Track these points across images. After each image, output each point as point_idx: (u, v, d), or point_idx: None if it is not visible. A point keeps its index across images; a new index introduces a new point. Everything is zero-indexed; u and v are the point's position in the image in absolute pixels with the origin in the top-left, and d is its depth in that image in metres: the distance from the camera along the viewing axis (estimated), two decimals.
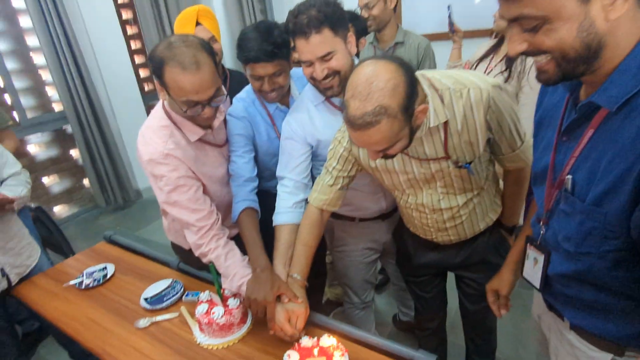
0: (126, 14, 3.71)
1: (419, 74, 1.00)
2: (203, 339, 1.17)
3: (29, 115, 3.16)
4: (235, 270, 1.22)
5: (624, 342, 0.79)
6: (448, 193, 1.14)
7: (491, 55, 1.82)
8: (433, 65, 2.07)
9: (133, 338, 1.21)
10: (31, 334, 2.16)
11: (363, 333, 1.11)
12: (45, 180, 3.40)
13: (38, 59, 3.18)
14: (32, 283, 1.53)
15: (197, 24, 1.73)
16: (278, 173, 1.35)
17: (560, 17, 0.60)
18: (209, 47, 1.13)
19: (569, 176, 0.73)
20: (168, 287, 1.39)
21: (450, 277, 1.48)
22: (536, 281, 0.90)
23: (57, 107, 3.34)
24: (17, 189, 1.48)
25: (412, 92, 0.87)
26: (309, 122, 1.30)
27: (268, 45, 1.23)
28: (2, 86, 2.98)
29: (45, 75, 3.24)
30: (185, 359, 1.12)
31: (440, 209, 1.16)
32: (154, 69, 1.11)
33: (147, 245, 1.69)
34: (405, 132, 0.91)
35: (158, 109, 1.27)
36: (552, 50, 0.63)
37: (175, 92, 1.10)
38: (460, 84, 1.00)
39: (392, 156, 0.99)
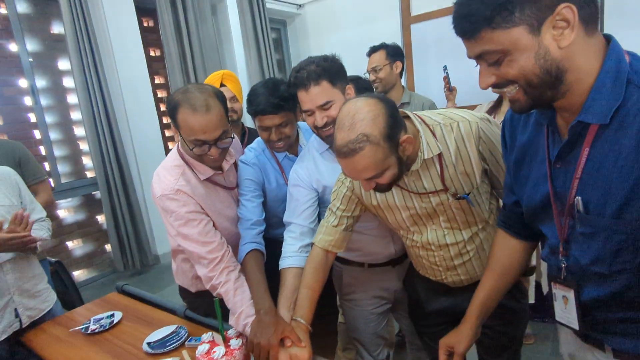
0: (161, 93, 4.12)
1: (410, 113, 1.08)
2: None
3: (63, 180, 3.39)
4: (242, 307, 1.21)
5: None
6: (452, 228, 1.14)
7: (492, 115, 1.91)
8: None
9: None
10: None
11: None
12: (70, 244, 3.51)
13: (79, 130, 3.49)
14: (41, 329, 1.53)
15: (222, 85, 1.93)
16: (285, 219, 1.39)
17: (517, 49, 0.67)
18: (221, 95, 1.27)
19: (578, 197, 0.74)
20: (172, 332, 1.37)
21: None
22: (573, 322, 0.84)
23: (90, 174, 3.57)
24: (41, 232, 1.56)
25: (394, 122, 0.95)
26: (315, 169, 1.37)
27: (274, 98, 1.34)
28: (44, 154, 3.25)
29: (83, 145, 3.52)
30: None
31: (447, 244, 1.15)
32: (170, 111, 1.23)
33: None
34: (392, 160, 0.97)
35: (173, 152, 1.38)
36: (517, 79, 0.70)
37: (186, 132, 1.21)
38: (449, 118, 1.08)
39: (385, 187, 1.03)
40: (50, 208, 3.30)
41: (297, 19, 5.27)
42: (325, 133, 1.27)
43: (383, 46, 2.25)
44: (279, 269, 1.30)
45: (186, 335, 1.35)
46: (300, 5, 5.11)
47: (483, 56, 0.71)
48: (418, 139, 1.05)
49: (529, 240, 1.02)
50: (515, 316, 1.26)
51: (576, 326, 0.82)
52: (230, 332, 1.20)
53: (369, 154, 0.93)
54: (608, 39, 0.71)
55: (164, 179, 1.30)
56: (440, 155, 1.06)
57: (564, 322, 0.87)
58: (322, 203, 1.40)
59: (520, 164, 0.90)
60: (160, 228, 3.71)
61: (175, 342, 1.31)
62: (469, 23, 0.69)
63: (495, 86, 0.73)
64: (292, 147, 1.53)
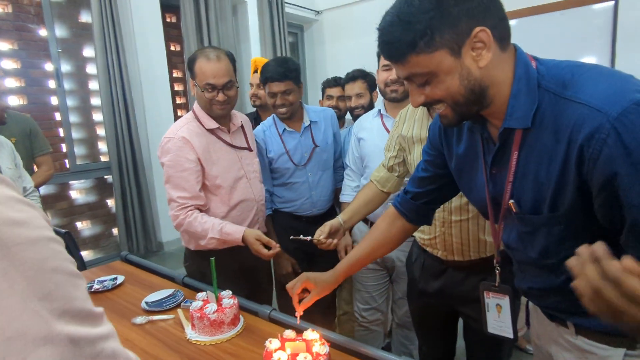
0: (178, 86, 4.27)
1: None
2: (193, 335, 1.19)
3: (79, 162, 3.52)
4: (213, 222, 1.47)
5: None
6: None
7: None
8: None
9: (128, 332, 1.25)
10: None
11: (347, 339, 1.11)
12: (79, 224, 3.62)
13: (97, 115, 3.64)
14: None
15: (255, 71, 2.28)
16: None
17: (442, 71, 0.72)
18: (231, 55, 1.55)
19: (512, 201, 0.79)
20: (170, 295, 1.45)
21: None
22: (507, 329, 0.86)
23: (104, 158, 3.70)
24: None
25: None
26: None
27: (281, 68, 1.70)
28: (62, 135, 3.39)
29: (100, 130, 3.66)
30: (173, 351, 1.14)
31: None
32: (189, 65, 1.52)
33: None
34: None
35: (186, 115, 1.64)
36: (444, 99, 0.75)
37: (200, 78, 1.48)
38: None
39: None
40: (63, 188, 3.45)
41: (314, 25, 5.40)
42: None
43: (361, 76, 2.16)
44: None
45: (182, 298, 1.43)
46: (318, 12, 5.25)
47: (411, 78, 0.76)
48: None
49: (413, 224, 1.13)
50: (500, 345, 1.31)
51: (511, 335, 0.85)
52: (224, 293, 1.27)
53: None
54: (515, 47, 0.77)
55: (172, 127, 1.55)
56: None
57: (496, 333, 0.88)
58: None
59: (461, 172, 0.95)
60: (167, 215, 3.81)
61: (172, 303, 1.39)
62: (395, 49, 0.73)
63: (425, 104, 0.79)
64: (295, 122, 1.85)
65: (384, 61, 1.63)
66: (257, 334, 1.20)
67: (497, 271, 0.86)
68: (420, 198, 1.08)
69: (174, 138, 1.50)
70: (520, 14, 3.79)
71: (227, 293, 1.28)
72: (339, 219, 1.43)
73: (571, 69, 0.72)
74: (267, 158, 1.84)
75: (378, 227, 1.17)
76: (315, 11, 5.23)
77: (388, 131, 1.66)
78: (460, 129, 0.92)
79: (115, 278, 1.61)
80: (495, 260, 0.89)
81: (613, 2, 3.56)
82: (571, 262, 0.57)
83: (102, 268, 1.79)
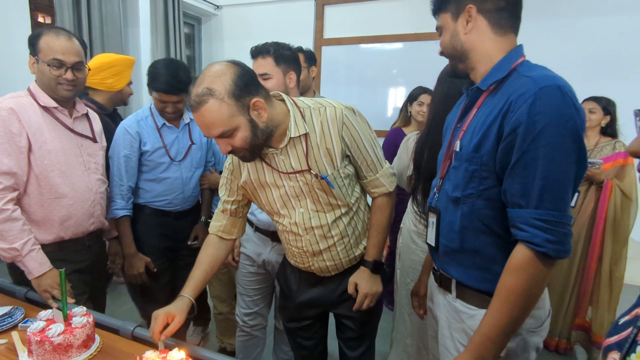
0: None
1: (285, 96, 1.19)
2: None
3: None
4: (26, 237, 1.33)
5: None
6: (317, 210, 1.22)
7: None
8: None
9: None
10: None
11: (217, 355, 1.04)
12: None
13: None
14: None
15: None
16: None
17: (444, 28, 1.03)
18: (84, 43, 1.47)
19: (458, 141, 1.00)
20: (5, 314, 1.20)
21: (331, 329, 1.48)
22: (432, 239, 1.08)
23: None
24: None
25: (242, 83, 1.03)
26: None
27: (174, 81, 1.67)
28: None
29: None
30: None
31: (312, 227, 1.23)
32: (32, 41, 1.38)
33: None
34: (242, 121, 1.04)
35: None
36: (441, 47, 1.05)
37: (45, 53, 1.36)
38: (319, 104, 1.19)
39: (244, 152, 1.10)
40: None
41: (213, 19, 5.17)
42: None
43: (300, 50, 2.30)
44: None
45: (22, 317, 1.20)
46: (218, 6, 5.05)
47: (438, 30, 1.06)
48: (288, 119, 1.14)
49: None
50: (376, 305, 1.36)
51: (433, 242, 1.08)
52: (75, 310, 1.10)
53: (212, 107, 1.00)
54: (518, 45, 1.00)
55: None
56: (306, 136, 1.16)
57: (429, 242, 1.11)
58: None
59: (446, 132, 1.16)
60: None
61: (7, 324, 1.16)
62: (436, 4, 1.04)
63: (446, 55, 1.06)
64: (176, 120, 1.85)
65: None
66: (114, 356, 1.06)
67: (435, 196, 1.09)
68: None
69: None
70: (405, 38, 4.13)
71: (79, 310, 1.10)
72: (188, 297, 1.19)
73: (541, 67, 0.94)
74: (140, 150, 1.77)
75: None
76: (215, 5, 5.01)
77: None
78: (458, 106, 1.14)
79: None
80: (436, 187, 1.10)
81: None
82: None
83: None
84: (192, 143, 1.88)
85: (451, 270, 1.05)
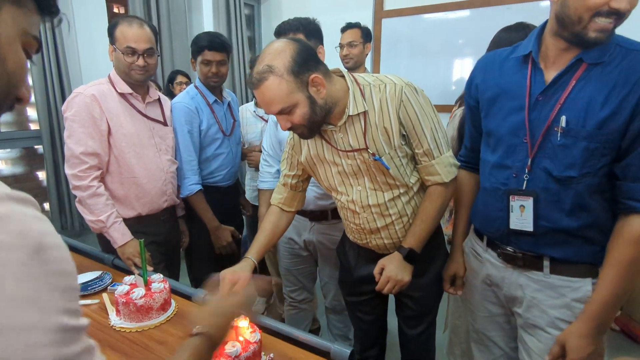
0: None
1: (345, 72, 1.16)
2: (117, 321, 1.12)
3: (3, 129, 3.19)
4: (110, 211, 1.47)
5: (599, 262, 0.96)
6: (375, 189, 1.20)
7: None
8: None
9: None
10: None
11: (278, 323, 1.09)
12: None
13: None
14: None
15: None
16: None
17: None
18: (155, 29, 1.57)
19: (563, 116, 0.94)
20: (96, 277, 1.35)
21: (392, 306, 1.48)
22: (528, 225, 1.02)
23: (33, 126, 3.38)
24: None
25: (301, 60, 1.02)
26: None
27: (218, 39, 1.77)
28: None
29: None
30: (95, 339, 1.06)
31: (369, 205, 1.21)
32: (110, 31, 1.51)
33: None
34: (301, 97, 1.04)
35: None
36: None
37: (120, 42, 1.47)
38: (380, 80, 1.15)
39: (303, 129, 1.10)
40: None
41: None
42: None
43: (358, 25, 2.28)
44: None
45: (110, 281, 1.34)
46: None
47: None
48: (347, 96, 1.13)
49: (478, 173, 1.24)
50: (433, 286, 1.34)
51: (531, 228, 1.02)
52: (154, 277, 1.20)
53: (272, 84, 1.01)
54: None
55: (83, 85, 1.52)
56: (365, 114, 1.13)
57: (518, 228, 1.04)
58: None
59: (494, 100, 1.08)
60: None
61: (98, 287, 1.30)
62: None
63: None
64: (220, 96, 1.90)
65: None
66: (188, 319, 1.15)
67: (526, 178, 1.01)
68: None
69: (83, 94, 1.47)
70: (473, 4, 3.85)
71: (157, 277, 1.21)
72: (252, 260, 1.22)
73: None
74: (200, 129, 1.82)
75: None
76: None
77: None
78: (502, 64, 1.09)
79: None
80: (527, 169, 1.01)
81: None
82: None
83: None
84: (235, 120, 1.97)
85: (548, 249, 1.03)
